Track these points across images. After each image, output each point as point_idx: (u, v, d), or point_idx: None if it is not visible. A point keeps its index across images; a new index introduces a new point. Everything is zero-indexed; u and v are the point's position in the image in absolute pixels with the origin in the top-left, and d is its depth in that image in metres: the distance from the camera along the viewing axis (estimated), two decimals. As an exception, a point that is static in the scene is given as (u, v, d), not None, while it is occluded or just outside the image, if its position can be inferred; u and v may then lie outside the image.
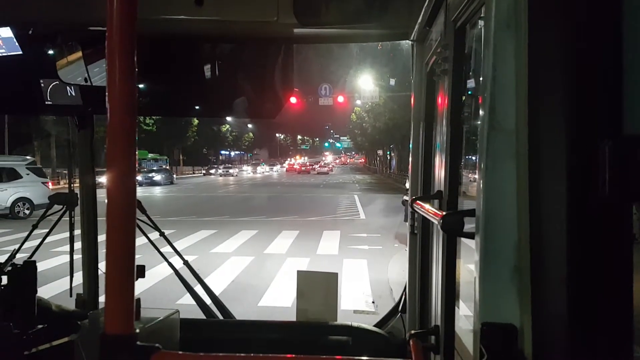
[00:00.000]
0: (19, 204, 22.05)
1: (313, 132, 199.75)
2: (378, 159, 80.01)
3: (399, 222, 18.04)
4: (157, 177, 49.31)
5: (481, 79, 1.27)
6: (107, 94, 1.11)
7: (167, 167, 58.30)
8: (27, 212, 22.11)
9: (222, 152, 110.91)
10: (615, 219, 1.00)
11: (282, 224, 19.93)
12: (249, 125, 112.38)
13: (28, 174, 22.23)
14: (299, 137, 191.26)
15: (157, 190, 40.89)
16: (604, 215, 1.01)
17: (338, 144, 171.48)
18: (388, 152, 67.21)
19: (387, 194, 35.11)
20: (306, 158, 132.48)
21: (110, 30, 1.10)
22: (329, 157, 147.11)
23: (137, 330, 1.10)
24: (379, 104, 44.79)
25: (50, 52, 2.98)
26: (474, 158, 1.69)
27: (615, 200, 0.98)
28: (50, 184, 24.31)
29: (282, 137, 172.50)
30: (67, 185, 3.64)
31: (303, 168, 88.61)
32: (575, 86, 1.05)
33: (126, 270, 1.11)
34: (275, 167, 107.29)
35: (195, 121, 68.53)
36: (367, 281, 10.83)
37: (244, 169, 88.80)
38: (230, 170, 77.29)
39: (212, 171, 78.57)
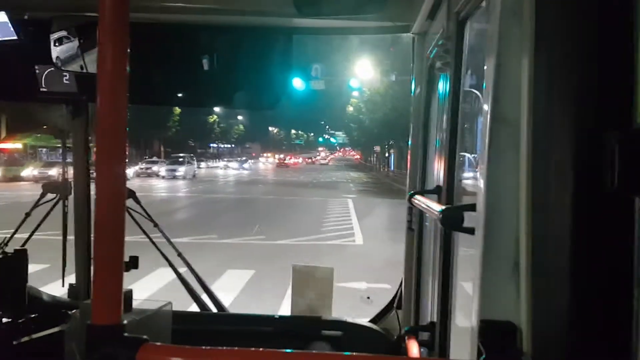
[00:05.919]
0: None
1: (307, 127, 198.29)
2: (375, 155, 76.41)
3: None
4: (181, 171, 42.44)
5: (485, 68, 1.25)
6: (97, 81, 1.09)
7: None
8: None
9: (212, 144, 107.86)
10: (621, 214, 0.98)
11: (232, 253, 13.61)
12: (239, 117, 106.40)
13: None
14: (293, 131, 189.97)
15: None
16: (608, 210, 0.99)
17: (333, 139, 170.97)
18: (386, 147, 62.25)
19: (388, 199, 28.14)
20: (282, 155, 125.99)
21: (103, 16, 1.08)
22: (322, 153, 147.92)
23: (125, 322, 1.08)
24: (379, 92, 42.30)
25: (46, 38, 2.93)
26: (473, 156, 1.67)
27: (622, 194, 0.96)
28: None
29: (275, 130, 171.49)
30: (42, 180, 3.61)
31: (310, 160, 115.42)
32: (583, 76, 1.03)
33: (114, 260, 1.09)
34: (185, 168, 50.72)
35: (177, 110, 59.28)
36: None
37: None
38: (154, 168, 50.35)
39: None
